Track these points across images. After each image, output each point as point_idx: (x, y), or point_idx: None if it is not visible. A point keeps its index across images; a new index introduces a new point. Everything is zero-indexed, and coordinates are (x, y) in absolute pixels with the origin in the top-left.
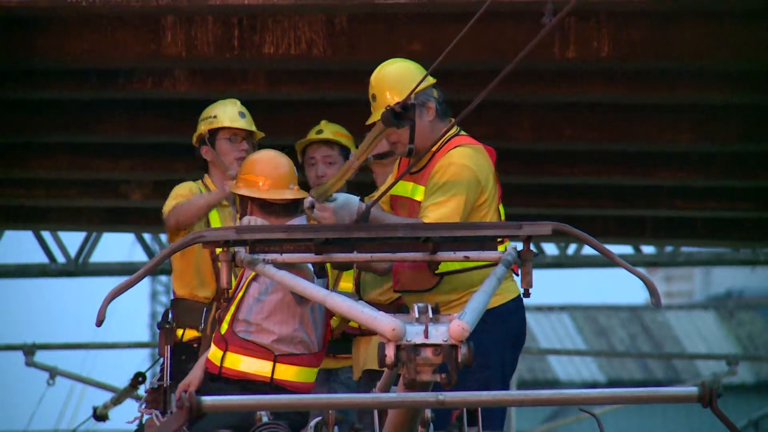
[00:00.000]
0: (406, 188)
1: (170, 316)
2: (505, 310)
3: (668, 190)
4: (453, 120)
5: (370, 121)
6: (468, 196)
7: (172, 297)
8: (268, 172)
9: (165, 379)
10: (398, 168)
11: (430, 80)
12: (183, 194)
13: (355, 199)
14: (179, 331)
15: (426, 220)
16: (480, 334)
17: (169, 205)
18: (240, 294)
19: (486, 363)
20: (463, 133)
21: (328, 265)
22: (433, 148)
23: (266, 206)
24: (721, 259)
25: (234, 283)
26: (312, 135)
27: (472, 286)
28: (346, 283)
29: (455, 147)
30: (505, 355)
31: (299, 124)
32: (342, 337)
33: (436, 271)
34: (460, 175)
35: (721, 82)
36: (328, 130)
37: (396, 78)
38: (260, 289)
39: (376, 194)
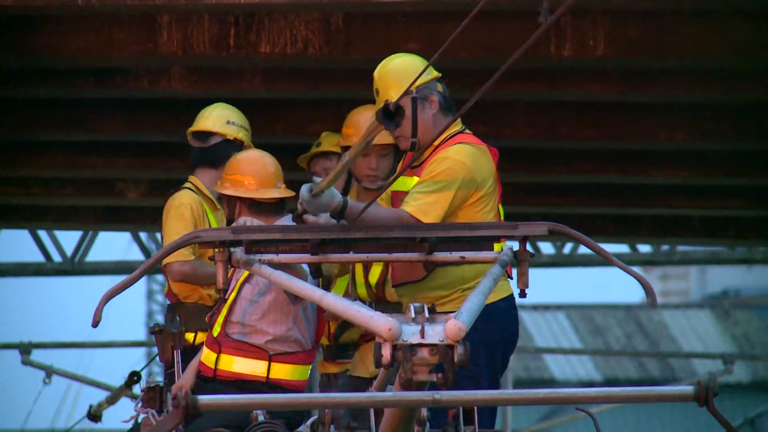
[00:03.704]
0: (406, 183)
1: (178, 320)
2: (495, 308)
3: (664, 189)
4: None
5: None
6: (457, 193)
7: (169, 302)
8: (254, 171)
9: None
10: (402, 164)
11: (435, 74)
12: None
13: (337, 195)
14: (189, 335)
15: (407, 208)
16: (469, 332)
17: (176, 257)
18: (232, 296)
19: (474, 360)
20: (468, 131)
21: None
22: (435, 142)
23: (254, 206)
24: (717, 258)
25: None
26: (312, 149)
27: (463, 281)
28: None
29: (457, 144)
30: (494, 352)
31: (295, 123)
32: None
33: None
34: (453, 170)
35: (717, 81)
36: (327, 141)
37: (399, 73)
38: (254, 290)
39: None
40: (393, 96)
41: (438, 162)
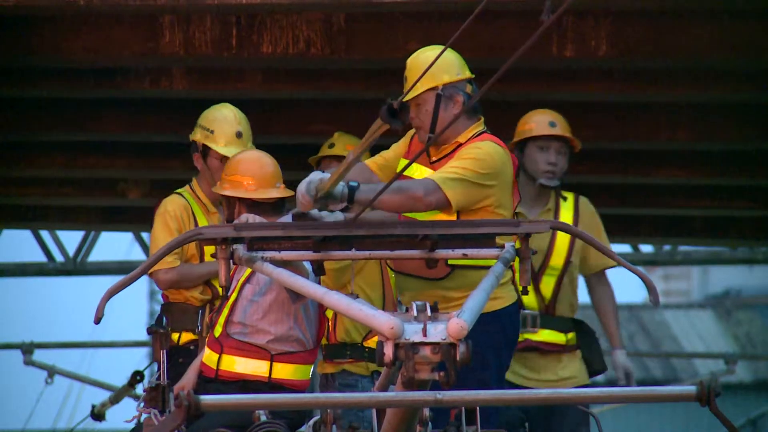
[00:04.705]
0: (422, 174)
1: (164, 320)
2: (505, 313)
3: (666, 189)
4: (481, 119)
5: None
6: (480, 180)
7: (162, 302)
8: (254, 171)
9: (163, 381)
10: (408, 151)
11: (467, 74)
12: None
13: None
14: (175, 335)
15: (433, 177)
16: (479, 335)
17: (161, 264)
18: (233, 296)
19: (484, 363)
20: (489, 132)
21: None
22: (459, 139)
23: (254, 206)
24: (719, 258)
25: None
26: (324, 149)
27: (474, 286)
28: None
29: (487, 140)
30: (501, 356)
31: (296, 123)
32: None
33: (449, 262)
34: (482, 160)
35: (718, 81)
36: (340, 143)
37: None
38: (254, 290)
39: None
40: (419, 87)
41: (469, 149)
